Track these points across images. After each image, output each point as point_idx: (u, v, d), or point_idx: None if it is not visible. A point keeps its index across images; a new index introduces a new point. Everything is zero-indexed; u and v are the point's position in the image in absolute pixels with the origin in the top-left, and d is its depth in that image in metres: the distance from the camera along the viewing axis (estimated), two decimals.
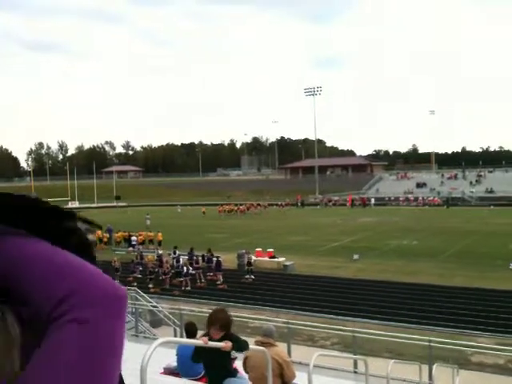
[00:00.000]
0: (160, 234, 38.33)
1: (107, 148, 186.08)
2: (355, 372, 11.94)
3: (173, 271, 26.31)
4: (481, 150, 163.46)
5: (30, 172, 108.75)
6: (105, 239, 39.42)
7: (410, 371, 11.45)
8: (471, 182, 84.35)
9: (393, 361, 9.95)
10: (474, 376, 13.82)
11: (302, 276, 26.76)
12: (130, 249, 36.25)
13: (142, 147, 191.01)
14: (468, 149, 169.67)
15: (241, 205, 67.52)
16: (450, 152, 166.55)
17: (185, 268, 25.54)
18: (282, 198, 76.16)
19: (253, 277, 26.39)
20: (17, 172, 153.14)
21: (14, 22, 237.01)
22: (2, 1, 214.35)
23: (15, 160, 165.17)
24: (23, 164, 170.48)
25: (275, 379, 5.75)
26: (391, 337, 14.14)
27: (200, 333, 8.93)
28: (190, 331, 8.34)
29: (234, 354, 5.41)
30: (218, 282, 25.67)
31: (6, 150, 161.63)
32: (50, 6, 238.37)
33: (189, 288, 24.76)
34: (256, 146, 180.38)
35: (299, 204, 76.62)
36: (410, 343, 13.25)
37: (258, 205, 69.10)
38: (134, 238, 38.04)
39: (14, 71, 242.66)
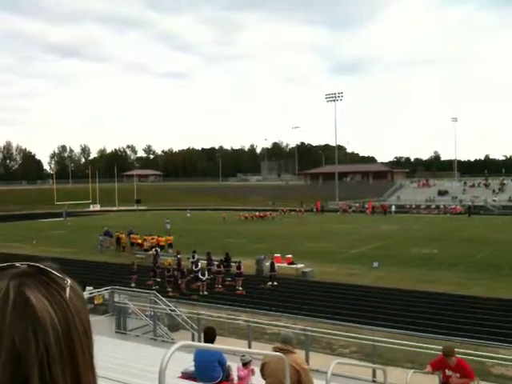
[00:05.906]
0: (170, 238, 38.31)
1: (129, 152, 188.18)
2: (374, 381, 11.85)
3: (192, 275, 26.32)
4: (504, 158, 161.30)
5: (52, 175, 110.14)
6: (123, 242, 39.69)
7: (429, 381, 11.30)
8: (494, 191, 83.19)
9: (412, 371, 9.84)
10: None
11: (321, 283, 26.63)
12: (150, 252, 36.37)
13: (162, 151, 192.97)
14: (491, 157, 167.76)
15: (263, 211, 68.19)
16: (472, 160, 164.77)
17: (206, 273, 25.54)
18: (285, 204, 75.40)
19: (275, 283, 26.19)
20: (40, 175, 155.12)
21: (36, 27, 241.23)
22: (25, 7, 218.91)
23: (38, 163, 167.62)
24: (46, 167, 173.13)
25: None
26: (408, 346, 13.95)
27: (219, 338, 8.92)
28: (209, 336, 8.31)
29: None
30: (239, 288, 25.54)
31: (30, 152, 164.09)
32: (72, 11, 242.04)
33: (206, 293, 24.73)
34: (276, 152, 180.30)
35: (314, 210, 76.58)
36: (429, 353, 13.06)
37: (273, 211, 69.95)
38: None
39: (36, 74, 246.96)
